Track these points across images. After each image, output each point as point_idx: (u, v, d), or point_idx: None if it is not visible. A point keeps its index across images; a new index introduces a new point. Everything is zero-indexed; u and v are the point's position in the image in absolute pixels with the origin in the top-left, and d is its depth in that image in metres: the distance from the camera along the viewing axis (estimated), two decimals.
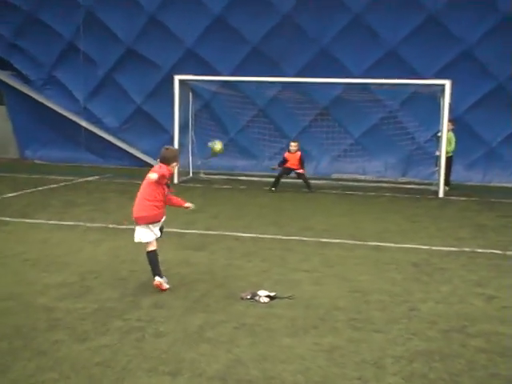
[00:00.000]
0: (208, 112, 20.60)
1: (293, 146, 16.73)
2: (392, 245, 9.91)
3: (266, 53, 19.69)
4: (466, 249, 9.68)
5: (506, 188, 18.38)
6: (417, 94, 18.18)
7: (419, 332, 5.90)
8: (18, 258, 8.40)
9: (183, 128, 18.40)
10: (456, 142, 16.93)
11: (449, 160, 16.77)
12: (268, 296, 6.88)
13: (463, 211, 13.84)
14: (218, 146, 16.25)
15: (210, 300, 6.75)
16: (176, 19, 20.00)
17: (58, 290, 6.90)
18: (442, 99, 16.34)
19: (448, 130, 16.17)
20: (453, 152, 16.96)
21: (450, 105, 15.87)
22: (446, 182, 16.72)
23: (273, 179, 16.73)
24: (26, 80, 22.44)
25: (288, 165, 16.68)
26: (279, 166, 16.83)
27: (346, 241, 10.15)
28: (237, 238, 10.10)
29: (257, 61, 19.59)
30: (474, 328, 6.06)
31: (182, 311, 6.34)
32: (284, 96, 19.74)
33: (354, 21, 18.77)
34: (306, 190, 16.46)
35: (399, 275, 8.05)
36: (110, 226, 10.89)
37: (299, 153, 16.71)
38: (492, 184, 18.94)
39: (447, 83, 15.70)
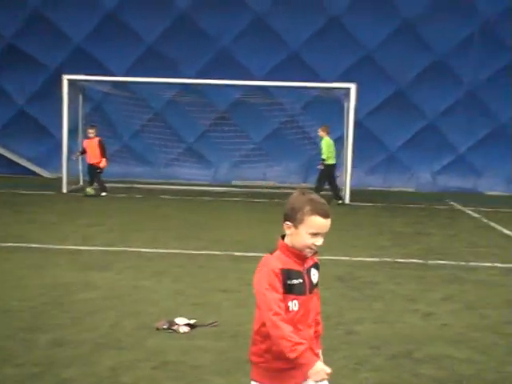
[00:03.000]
0: (99, 115, 19.29)
1: (90, 132, 15.99)
2: None
3: (162, 53, 18.72)
4: (388, 259, 9.26)
5: (406, 192, 18.46)
6: (319, 97, 17.89)
7: (364, 360, 5.26)
8: None
9: (72, 132, 17.04)
10: (330, 150, 15.52)
11: (330, 170, 15.52)
12: (188, 324, 6.01)
13: (373, 218, 13.56)
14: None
15: (120, 333, 5.79)
16: (63, 14, 18.68)
17: None
18: (346, 103, 16.08)
19: (322, 137, 15.55)
20: (328, 159, 15.46)
21: (355, 109, 15.57)
22: (336, 195, 15.50)
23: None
24: None
25: (88, 156, 15.99)
26: (82, 153, 16.34)
27: (261, 254, 9.27)
28: (142, 255, 9.11)
29: (153, 61, 18.58)
30: (420, 352, 5.52)
31: (88, 349, 5.35)
32: (181, 98, 18.86)
33: (255, 21, 18.28)
34: (97, 191, 15.70)
35: (326, 291, 7.37)
36: None
37: (97, 139, 15.96)
38: (392, 189, 18.95)
39: (352, 87, 15.44)
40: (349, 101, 15.74)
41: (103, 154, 15.95)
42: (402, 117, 18.50)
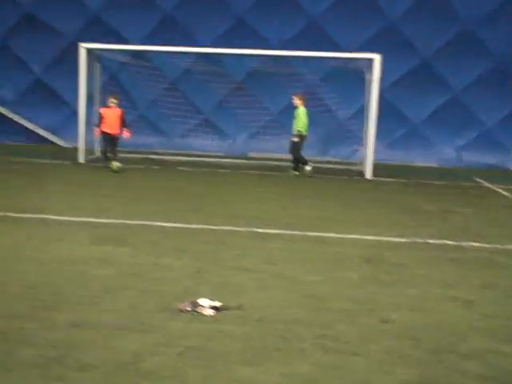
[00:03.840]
0: (115, 85, 18.86)
1: (113, 101, 15.03)
2: (336, 235, 8.90)
3: (178, 20, 18.17)
4: (418, 239, 8.77)
5: (429, 168, 17.93)
6: (339, 68, 17.28)
7: (404, 354, 4.85)
8: None
9: (88, 102, 16.65)
10: (305, 121, 15.13)
11: (304, 140, 15.12)
12: (213, 307, 5.66)
13: (398, 194, 13.06)
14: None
15: (142, 314, 5.43)
16: None
17: None
18: (367, 74, 15.51)
19: (297, 106, 15.06)
20: (301, 131, 15.06)
21: (381, 80, 14.96)
22: (304, 163, 15.09)
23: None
24: None
25: (104, 126, 14.78)
26: (98, 126, 14.98)
27: (283, 231, 9.02)
28: (160, 229, 8.75)
29: (169, 29, 18.08)
30: (464, 346, 5.08)
31: (108, 331, 4.99)
32: (197, 68, 18.36)
33: None
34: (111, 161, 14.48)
35: (354, 274, 7.02)
36: (10, 214, 9.22)
37: (120, 110, 15.06)
38: (414, 164, 18.43)
39: (377, 58, 14.80)
40: (371, 72, 15.14)
41: (126, 125, 15.13)
42: (426, 89, 17.85)
